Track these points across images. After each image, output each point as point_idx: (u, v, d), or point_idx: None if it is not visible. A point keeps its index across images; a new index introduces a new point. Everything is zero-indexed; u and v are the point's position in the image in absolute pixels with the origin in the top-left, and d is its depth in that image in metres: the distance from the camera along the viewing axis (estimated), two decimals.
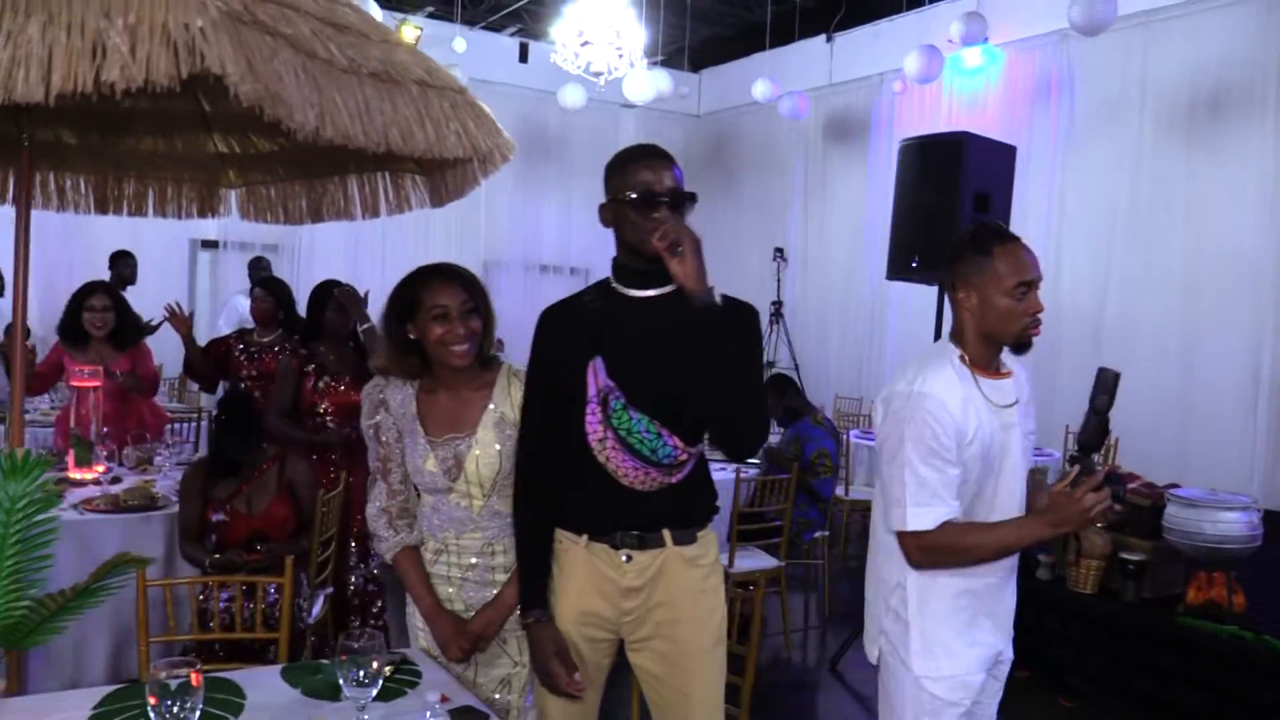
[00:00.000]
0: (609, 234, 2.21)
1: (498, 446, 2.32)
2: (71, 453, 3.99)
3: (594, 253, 10.22)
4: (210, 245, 8.54)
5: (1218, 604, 3.93)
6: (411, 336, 2.32)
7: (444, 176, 2.65)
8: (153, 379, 4.90)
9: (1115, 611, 4.04)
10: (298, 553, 3.51)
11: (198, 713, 1.73)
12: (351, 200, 3.08)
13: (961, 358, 2.27)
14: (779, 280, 9.06)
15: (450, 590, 2.39)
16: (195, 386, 6.31)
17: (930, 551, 2.20)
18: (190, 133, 3.15)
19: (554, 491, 2.23)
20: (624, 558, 2.15)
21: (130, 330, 4.72)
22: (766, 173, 9.70)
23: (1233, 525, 3.88)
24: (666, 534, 2.15)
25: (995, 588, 2.34)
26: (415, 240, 9.11)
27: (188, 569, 3.69)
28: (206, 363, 4.89)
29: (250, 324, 5.10)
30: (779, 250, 9.12)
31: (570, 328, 2.18)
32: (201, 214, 3.32)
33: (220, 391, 5.14)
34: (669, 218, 2.04)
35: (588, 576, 2.17)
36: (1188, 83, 6.65)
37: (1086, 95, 7.20)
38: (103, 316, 4.51)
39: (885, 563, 2.37)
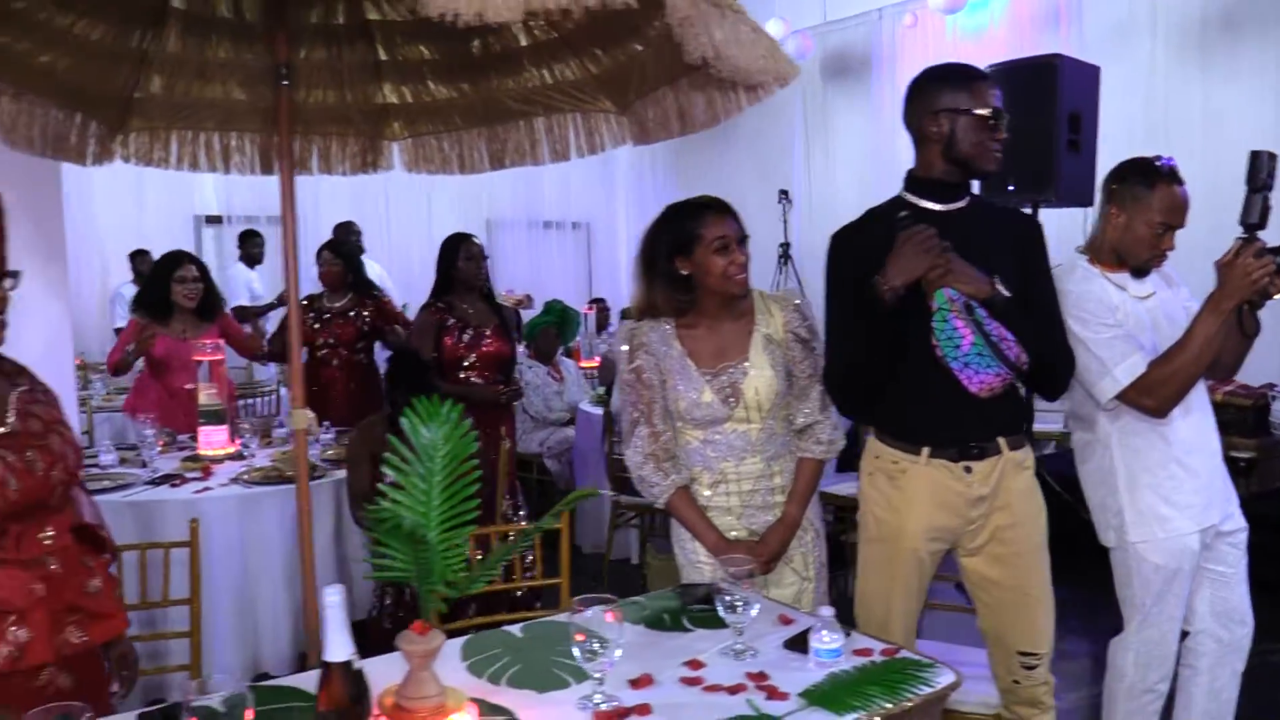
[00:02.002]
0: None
1: (771, 368, 2.37)
2: (201, 429, 3.87)
3: (595, 207, 10.16)
4: (214, 220, 8.26)
5: None
6: (684, 272, 2.33)
7: (674, 108, 2.61)
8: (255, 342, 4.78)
9: None
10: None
11: (618, 651, 1.74)
12: (539, 144, 3.00)
13: (1090, 261, 2.58)
14: (784, 222, 9.10)
15: (730, 519, 2.43)
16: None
17: (1155, 390, 2.41)
18: (360, 84, 3.04)
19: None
20: (964, 469, 2.19)
21: (216, 301, 4.57)
22: (764, 114, 9.59)
23: None
24: (1002, 441, 2.21)
25: (1196, 446, 2.56)
26: (419, 204, 8.93)
27: (356, 535, 3.64)
28: (283, 336, 4.77)
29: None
30: (784, 192, 9.14)
31: (890, 244, 2.20)
32: (361, 169, 3.20)
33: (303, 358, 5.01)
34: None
35: (932, 491, 2.21)
36: (1199, 0, 6.81)
37: (1095, 20, 7.32)
38: (194, 288, 4.34)
39: (1092, 457, 2.62)
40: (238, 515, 3.32)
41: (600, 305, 8.24)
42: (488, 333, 3.96)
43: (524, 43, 2.81)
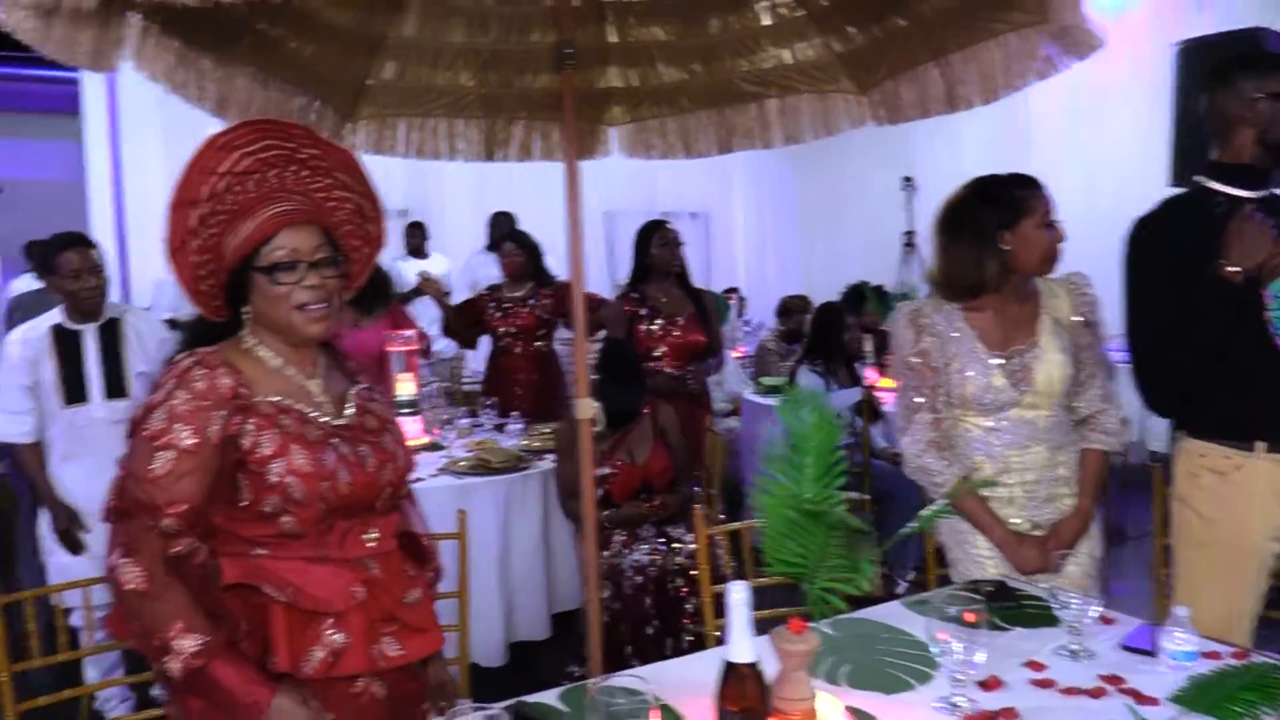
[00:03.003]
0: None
1: (1061, 352, 2.27)
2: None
3: (711, 196, 10.04)
4: None
5: None
6: (1004, 246, 2.24)
7: (940, 85, 2.51)
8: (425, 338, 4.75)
9: None
10: (687, 501, 3.43)
11: (981, 654, 1.67)
12: (770, 127, 2.92)
13: None
14: (909, 210, 8.92)
15: (1011, 510, 2.33)
16: None
17: None
18: (585, 67, 2.97)
19: None
20: None
21: (380, 294, 4.52)
22: None
23: None
24: None
25: None
26: (540, 194, 8.86)
27: (562, 526, 3.60)
28: (463, 323, 4.77)
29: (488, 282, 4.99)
30: (907, 179, 8.95)
31: (1218, 233, 2.09)
32: (579, 156, 3.14)
33: (486, 346, 5.02)
34: None
35: (1275, 487, 2.09)
36: None
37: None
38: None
39: None
40: (453, 505, 3.29)
41: (738, 295, 8.14)
42: (680, 321, 3.90)
43: (767, 21, 2.73)
